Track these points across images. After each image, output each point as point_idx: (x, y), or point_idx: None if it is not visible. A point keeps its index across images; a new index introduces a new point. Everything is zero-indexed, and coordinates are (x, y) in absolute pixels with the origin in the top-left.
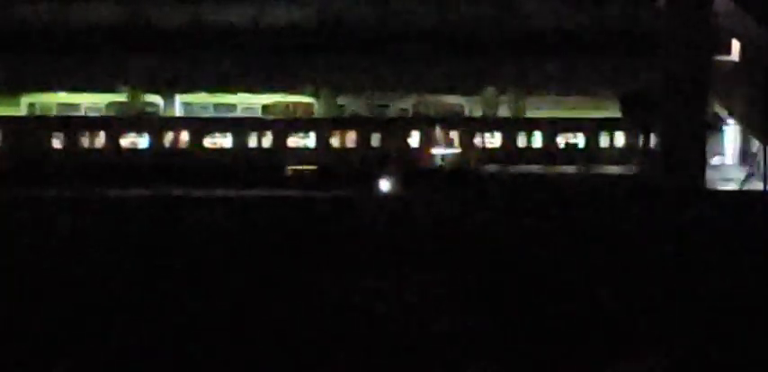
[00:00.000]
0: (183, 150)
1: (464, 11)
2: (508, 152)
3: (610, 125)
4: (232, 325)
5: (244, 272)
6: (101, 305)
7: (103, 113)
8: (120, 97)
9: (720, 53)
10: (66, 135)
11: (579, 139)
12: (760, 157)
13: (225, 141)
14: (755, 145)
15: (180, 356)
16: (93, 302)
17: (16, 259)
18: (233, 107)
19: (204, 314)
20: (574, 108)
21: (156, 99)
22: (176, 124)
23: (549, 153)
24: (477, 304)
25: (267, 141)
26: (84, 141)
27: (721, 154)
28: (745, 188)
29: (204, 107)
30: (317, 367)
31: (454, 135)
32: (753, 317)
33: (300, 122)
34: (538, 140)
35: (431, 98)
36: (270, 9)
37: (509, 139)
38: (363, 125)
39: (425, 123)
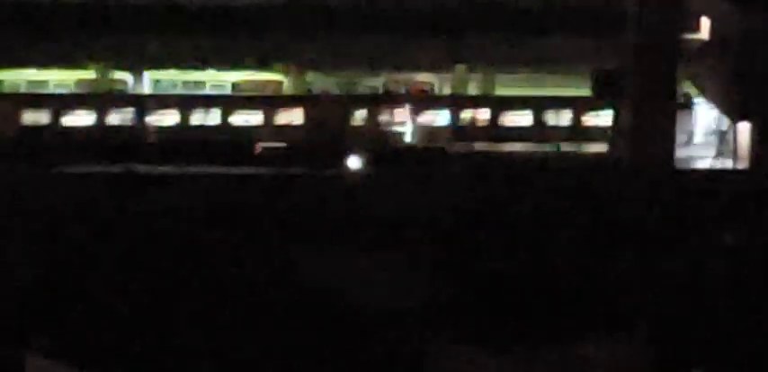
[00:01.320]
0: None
1: None
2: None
3: (580, 103)
4: (193, 302)
5: (215, 248)
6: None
7: (72, 90)
8: (90, 74)
9: (690, 31)
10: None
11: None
12: (729, 135)
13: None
14: (725, 123)
15: (138, 331)
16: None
17: None
18: (202, 84)
19: (170, 291)
20: (544, 86)
21: (126, 76)
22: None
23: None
24: (443, 282)
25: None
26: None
27: (691, 132)
28: (715, 166)
29: (174, 84)
30: (279, 344)
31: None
32: (722, 295)
33: (271, 99)
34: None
35: (401, 76)
36: None
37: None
38: (333, 102)
39: (395, 101)
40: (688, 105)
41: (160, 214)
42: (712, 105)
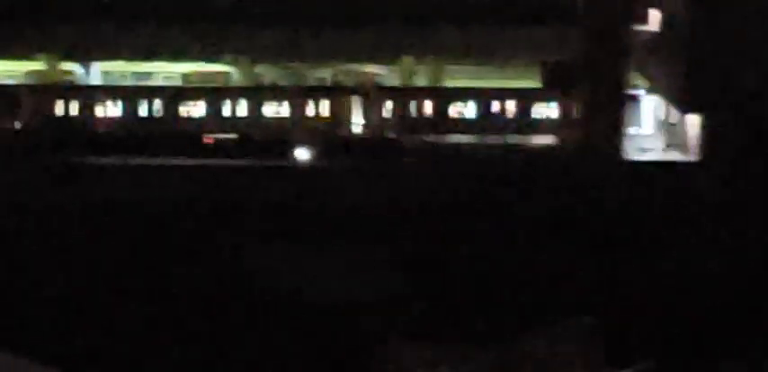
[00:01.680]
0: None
1: None
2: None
3: (529, 95)
4: (142, 296)
5: (165, 242)
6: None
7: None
8: (39, 65)
9: (639, 23)
10: None
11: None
12: (679, 128)
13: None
14: (674, 115)
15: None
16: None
17: None
18: (152, 75)
19: (117, 286)
20: (493, 77)
21: (75, 67)
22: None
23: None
24: (396, 274)
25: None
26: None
27: (639, 124)
28: (663, 158)
29: (123, 75)
30: (227, 338)
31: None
32: (669, 286)
33: (219, 91)
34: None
35: (349, 67)
36: None
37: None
38: (282, 94)
39: (344, 92)
40: (637, 97)
41: (101, 207)
42: (662, 97)
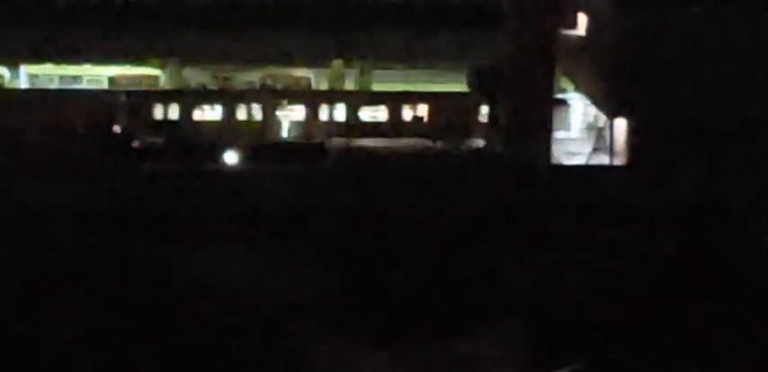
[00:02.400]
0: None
1: None
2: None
3: (457, 98)
4: (69, 302)
5: (92, 248)
6: None
7: None
8: None
9: (567, 27)
10: None
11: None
12: (606, 131)
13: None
14: (601, 119)
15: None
16: None
17: None
18: (79, 79)
19: (41, 291)
20: (421, 81)
21: (2, 70)
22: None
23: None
24: (323, 277)
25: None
26: None
27: (567, 128)
28: (591, 162)
29: (51, 79)
30: (154, 340)
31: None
32: (598, 290)
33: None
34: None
35: (278, 71)
36: None
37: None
38: (210, 97)
39: (272, 96)
40: (565, 101)
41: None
42: (589, 101)
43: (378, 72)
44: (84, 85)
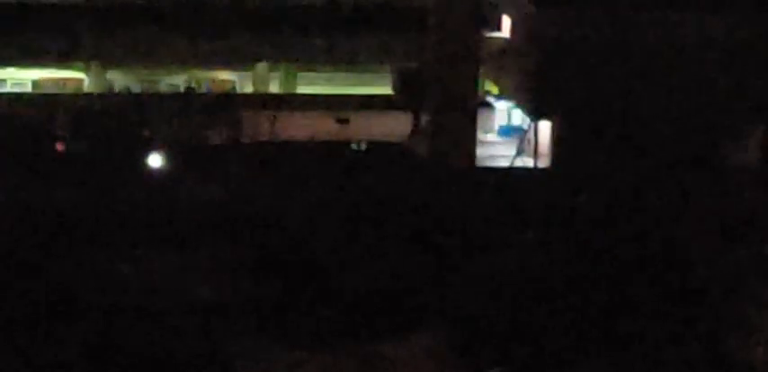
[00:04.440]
0: None
1: None
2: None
3: (380, 101)
4: None
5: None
6: None
7: None
8: None
9: (491, 29)
10: None
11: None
12: (530, 134)
13: None
14: (525, 121)
15: None
16: None
17: None
18: (2, 82)
19: None
20: (346, 84)
21: None
22: None
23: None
24: (248, 278)
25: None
26: None
27: (491, 130)
28: (515, 164)
29: None
30: (85, 345)
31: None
32: (520, 294)
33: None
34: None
35: (202, 74)
36: None
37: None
38: (133, 101)
39: (197, 99)
40: (489, 104)
41: None
42: (513, 103)
43: (302, 74)
44: (8, 89)
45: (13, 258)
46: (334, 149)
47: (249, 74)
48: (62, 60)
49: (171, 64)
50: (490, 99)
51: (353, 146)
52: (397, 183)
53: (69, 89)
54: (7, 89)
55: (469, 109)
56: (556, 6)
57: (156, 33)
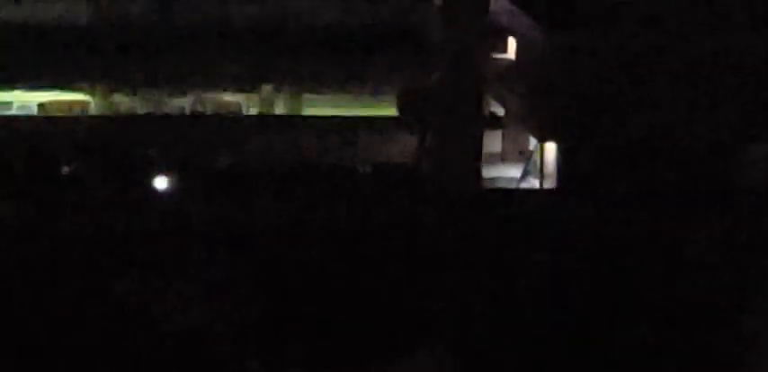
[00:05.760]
0: None
1: (245, 8)
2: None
3: (386, 123)
4: None
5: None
6: None
7: None
8: None
9: (497, 51)
10: None
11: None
12: (536, 155)
13: None
14: (532, 143)
15: None
16: None
17: None
18: (9, 105)
19: None
20: (352, 106)
21: None
22: None
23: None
24: (247, 301)
25: None
26: None
27: (497, 152)
28: (521, 186)
29: None
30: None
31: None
32: (522, 313)
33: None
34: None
35: (208, 96)
36: (45, 6)
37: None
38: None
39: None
40: (495, 125)
41: None
42: (519, 125)
43: (308, 96)
44: (14, 111)
45: (15, 280)
46: (340, 171)
47: (255, 95)
48: (67, 83)
49: (176, 86)
50: (497, 120)
51: (359, 167)
52: (403, 205)
53: (75, 112)
54: (13, 112)
55: (475, 130)
56: (563, 28)
57: (161, 55)
